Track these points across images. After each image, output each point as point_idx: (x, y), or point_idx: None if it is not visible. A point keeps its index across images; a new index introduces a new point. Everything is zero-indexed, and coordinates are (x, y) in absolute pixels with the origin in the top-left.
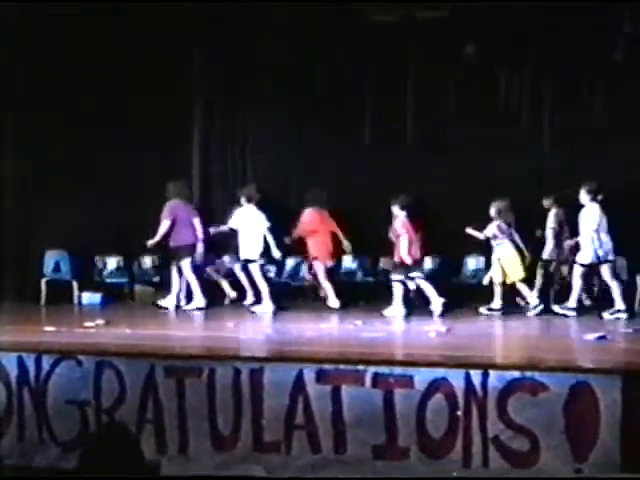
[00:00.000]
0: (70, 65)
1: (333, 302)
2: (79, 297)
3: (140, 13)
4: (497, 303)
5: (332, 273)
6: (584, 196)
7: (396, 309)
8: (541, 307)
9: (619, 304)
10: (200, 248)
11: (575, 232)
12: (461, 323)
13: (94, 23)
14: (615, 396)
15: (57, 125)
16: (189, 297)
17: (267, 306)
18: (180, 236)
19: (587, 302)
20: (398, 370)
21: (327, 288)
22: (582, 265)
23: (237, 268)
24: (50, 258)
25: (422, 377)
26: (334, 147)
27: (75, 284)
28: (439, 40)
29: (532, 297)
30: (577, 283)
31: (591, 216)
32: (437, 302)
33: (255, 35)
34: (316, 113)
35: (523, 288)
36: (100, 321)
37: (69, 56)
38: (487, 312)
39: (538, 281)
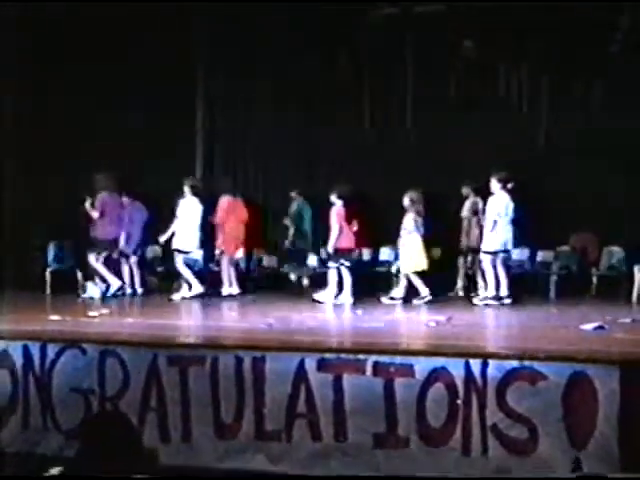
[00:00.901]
0: (74, 65)
1: (234, 289)
2: (83, 287)
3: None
4: (400, 292)
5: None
6: (495, 184)
7: (328, 294)
8: (429, 298)
9: (490, 291)
10: (122, 240)
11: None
12: (460, 313)
13: (98, 22)
14: (613, 386)
15: (58, 124)
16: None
17: (185, 293)
18: (104, 229)
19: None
20: (399, 359)
21: (230, 276)
22: (486, 252)
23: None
24: (53, 249)
25: (422, 366)
26: (335, 140)
27: (79, 274)
28: (437, 33)
29: (423, 287)
30: (500, 272)
31: (498, 204)
32: (347, 295)
33: (256, 32)
34: (317, 108)
35: (415, 279)
36: (104, 310)
37: (71, 55)
38: (390, 301)
39: (461, 268)
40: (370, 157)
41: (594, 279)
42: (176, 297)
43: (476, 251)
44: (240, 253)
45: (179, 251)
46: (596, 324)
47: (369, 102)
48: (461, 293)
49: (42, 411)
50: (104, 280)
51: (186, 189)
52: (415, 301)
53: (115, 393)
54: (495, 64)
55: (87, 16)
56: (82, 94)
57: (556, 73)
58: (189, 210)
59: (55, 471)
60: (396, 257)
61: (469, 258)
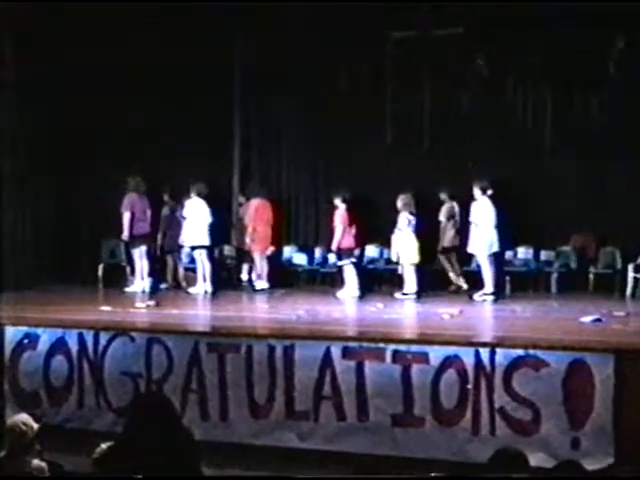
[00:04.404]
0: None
1: (261, 285)
2: (132, 281)
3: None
4: (412, 287)
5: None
6: (477, 191)
7: (349, 291)
8: (413, 296)
9: (488, 288)
10: (159, 238)
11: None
12: (471, 306)
13: (135, 31)
14: (608, 372)
15: (109, 126)
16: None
17: (201, 287)
18: (136, 226)
19: (464, 285)
20: (415, 348)
21: (263, 272)
22: (475, 254)
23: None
24: (107, 246)
25: (436, 354)
26: (358, 150)
27: (128, 269)
28: (452, 54)
29: (411, 285)
30: (485, 271)
31: (480, 209)
32: (352, 289)
33: (286, 51)
34: (340, 121)
35: (409, 274)
36: (150, 302)
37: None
38: (403, 296)
39: (446, 266)
40: (388, 165)
41: (592, 276)
42: (192, 290)
43: (449, 251)
44: (270, 250)
45: (194, 247)
46: (593, 317)
47: (390, 117)
48: (455, 287)
49: (95, 392)
50: (149, 274)
51: (193, 193)
52: (397, 294)
53: (160, 376)
54: (504, 80)
55: (125, 25)
56: (132, 99)
57: (558, 87)
58: (196, 210)
59: (105, 446)
60: (381, 254)
61: (442, 257)
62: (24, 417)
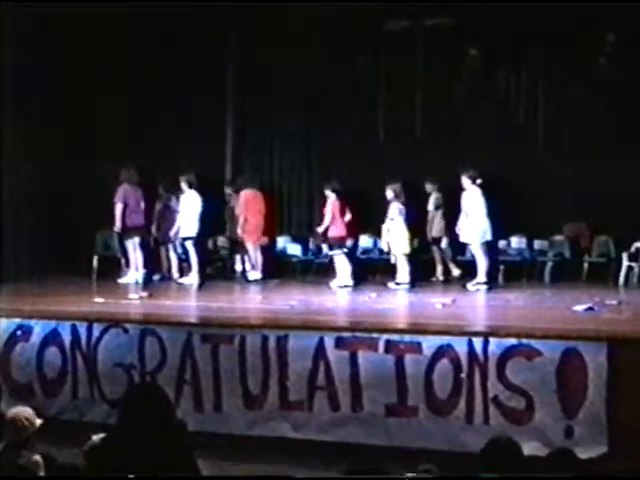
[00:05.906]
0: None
1: (254, 275)
2: (126, 272)
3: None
4: (404, 276)
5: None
6: (465, 181)
7: (341, 280)
8: (407, 286)
9: (481, 277)
10: (153, 229)
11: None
12: (464, 296)
13: (128, 21)
14: (601, 360)
15: (105, 118)
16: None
17: (194, 278)
18: (129, 218)
19: (456, 272)
20: (408, 338)
21: (256, 262)
22: (467, 243)
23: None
24: (101, 238)
25: (430, 344)
26: (351, 141)
27: (123, 261)
28: (445, 45)
29: (404, 275)
30: (479, 260)
31: (470, 198)
32: (344, 279)
33: (279, 47)
34: (333, 112)
35: (401, 264)
36: (144, 294)
37: (103, 54)
38: (396, 286)
39: (436, 257)
40: (381, 155)
41: (585, 265)
42: (183, 280)
43: (438, 241)
44: (263, 241)
45: (185, 239)
46: (586, 305)
47: (383, 106)
48: (441, 278)
49: (89, 383)
50: (143, 266)
51: (184, 185)
52: (390, 284)
53: (154, 368)
54: (496, 71)
55: (119, 16)
56: (127, 93)
57: (552, 79)
58: (190, 203)
59: (96, 438)
60: (375, 244)
61: (434, 247)
62: (27, 412)
